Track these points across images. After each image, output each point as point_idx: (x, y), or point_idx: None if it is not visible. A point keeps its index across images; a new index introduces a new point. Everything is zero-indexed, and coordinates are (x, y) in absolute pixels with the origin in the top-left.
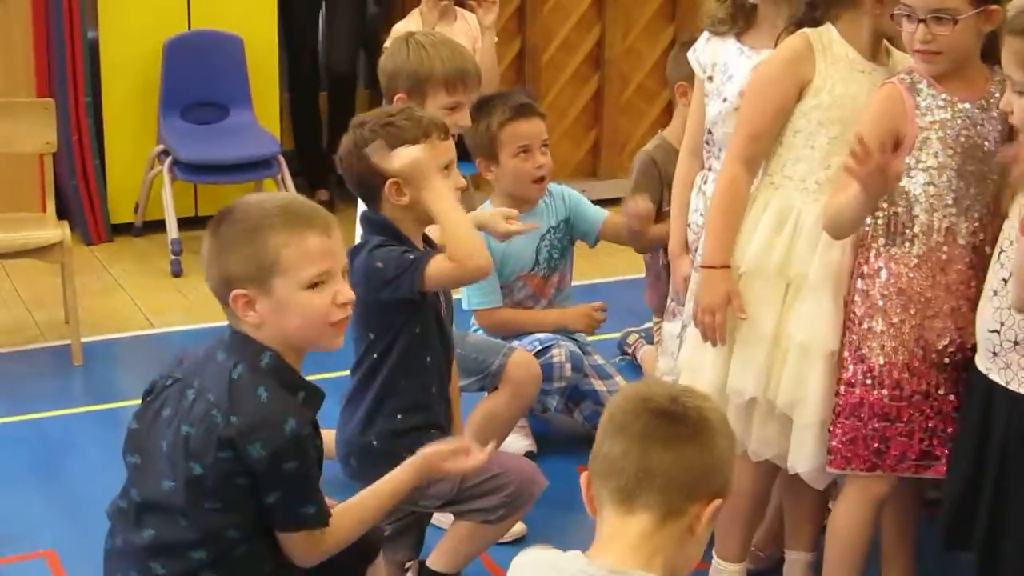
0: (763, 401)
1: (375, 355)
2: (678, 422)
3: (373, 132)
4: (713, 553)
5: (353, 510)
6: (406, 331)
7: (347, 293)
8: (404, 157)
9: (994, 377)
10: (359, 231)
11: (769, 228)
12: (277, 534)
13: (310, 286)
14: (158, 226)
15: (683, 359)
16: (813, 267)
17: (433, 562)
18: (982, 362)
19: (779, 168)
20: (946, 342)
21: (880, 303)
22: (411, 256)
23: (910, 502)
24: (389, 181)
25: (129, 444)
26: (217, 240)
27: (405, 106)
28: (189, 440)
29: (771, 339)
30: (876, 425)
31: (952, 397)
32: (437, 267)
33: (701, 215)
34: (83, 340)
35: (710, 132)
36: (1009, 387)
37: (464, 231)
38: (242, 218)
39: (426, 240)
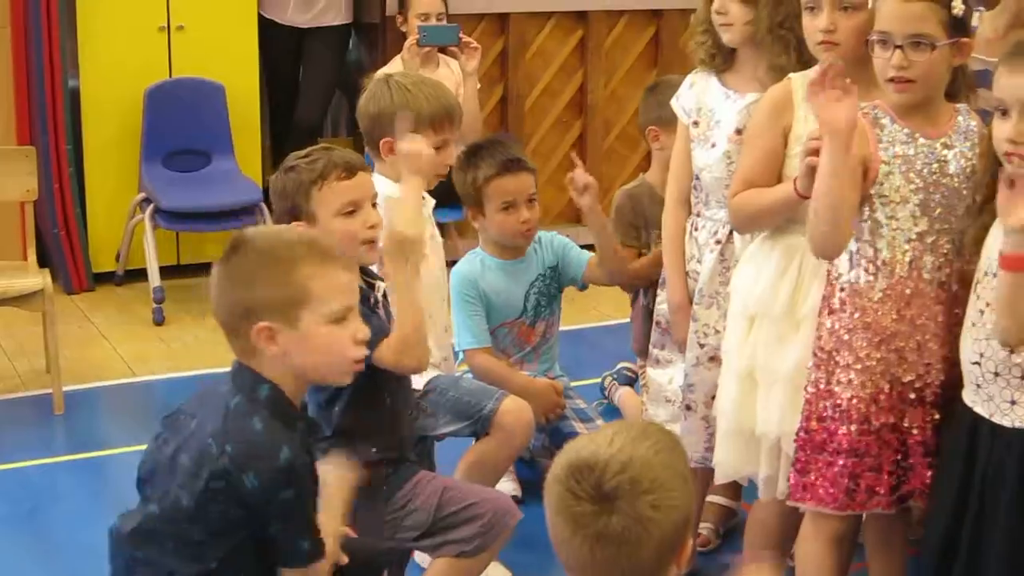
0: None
1: (328, 397)
2: (617, 544)
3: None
4: None
5: None
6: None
7: (365, 331)
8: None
9: (978, 410)
10: None
11: (774, 271)
12: (278, 570)
13: (334, 320)
14: (140, 275)
15: (724, 410)
16: (808, 301)
17: None
18: (967, 395)
19: None
20: (912, 377)
21: (846, 337)
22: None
23: (896, 539)
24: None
25: (140, 471)
26: (234, 272)
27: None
28: (183, 469)
29: (793, 379)
30: (845, 461)
31: (916, 431)
32: (380, 352)
33: (699, 261)
34: (64, 389)
35: (698, 178)
36: (992, 419)
37: (410, 329)
38: (266, 249)
39: (364, 271)
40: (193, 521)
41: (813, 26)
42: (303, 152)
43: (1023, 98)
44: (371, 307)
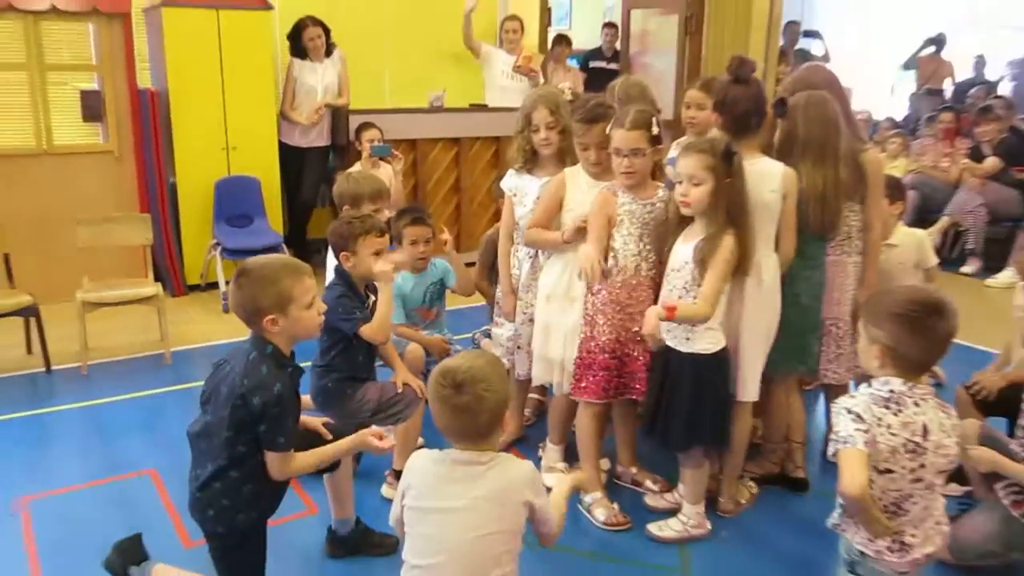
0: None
1: (328, 346)
2: (464, 412)
3: (348, 223)
4: (547, 439)
5: (314, 454)
6: (344, 339)
7: (322, 306)
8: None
9: (669, 343)
10: (329, 276)
11: (560, 271)
12: (264, 451)
13: (308, 307)
14: (214, 286)
15: (535, 347)
16: (579, 288)
17: (398, 463)
18: (664, 336)
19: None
20: (636, 328)
21: (601, 307)
22: (356, 313)
23: (629, 417)
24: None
25: (202, 397)
26: (246, 290)
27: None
28: (223, 394)
29: (569, 330)
30: (602, 374)
31: (640, 358)
32: (363, 330)
33: (518, 268)
34: (171, 350)
35: (517, 224)
36: (676, 348)
37: (385, 321)
38: (263, 274)
39: (368, 287)
40: (226, 423)
41: (585, 157)
42: (357, 213)
43: (687, 173)
44: (364, 306)
